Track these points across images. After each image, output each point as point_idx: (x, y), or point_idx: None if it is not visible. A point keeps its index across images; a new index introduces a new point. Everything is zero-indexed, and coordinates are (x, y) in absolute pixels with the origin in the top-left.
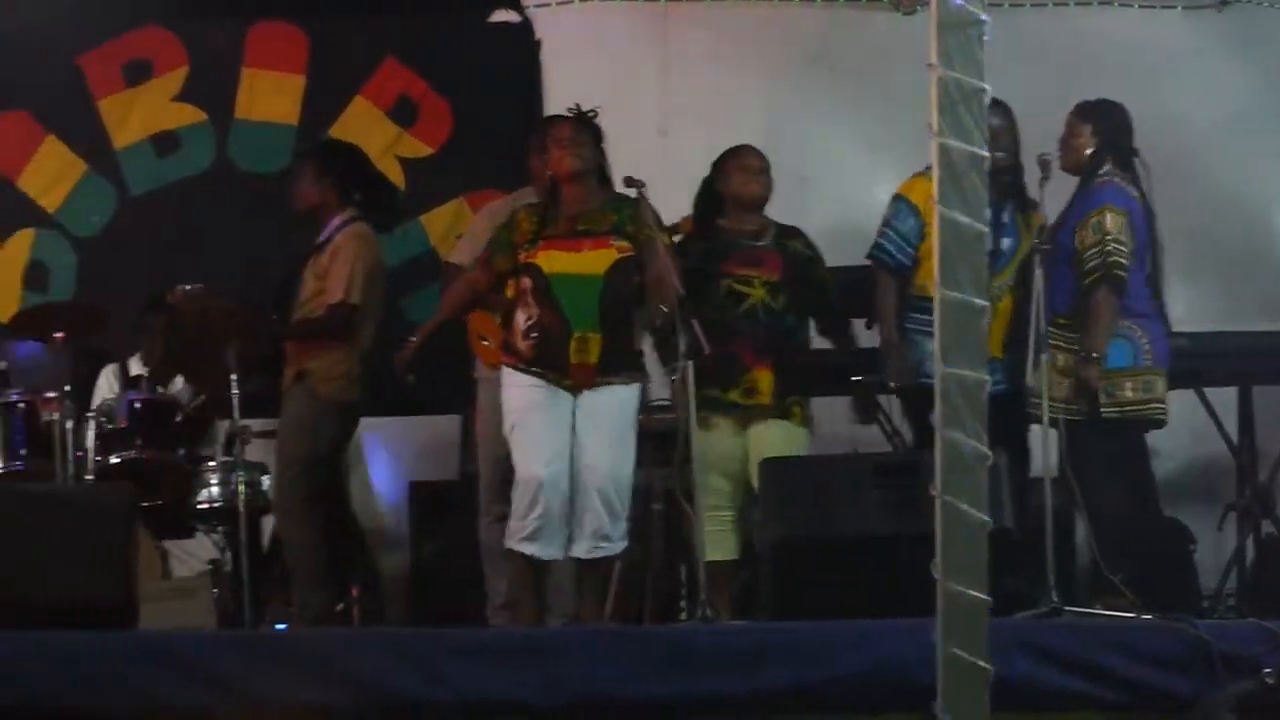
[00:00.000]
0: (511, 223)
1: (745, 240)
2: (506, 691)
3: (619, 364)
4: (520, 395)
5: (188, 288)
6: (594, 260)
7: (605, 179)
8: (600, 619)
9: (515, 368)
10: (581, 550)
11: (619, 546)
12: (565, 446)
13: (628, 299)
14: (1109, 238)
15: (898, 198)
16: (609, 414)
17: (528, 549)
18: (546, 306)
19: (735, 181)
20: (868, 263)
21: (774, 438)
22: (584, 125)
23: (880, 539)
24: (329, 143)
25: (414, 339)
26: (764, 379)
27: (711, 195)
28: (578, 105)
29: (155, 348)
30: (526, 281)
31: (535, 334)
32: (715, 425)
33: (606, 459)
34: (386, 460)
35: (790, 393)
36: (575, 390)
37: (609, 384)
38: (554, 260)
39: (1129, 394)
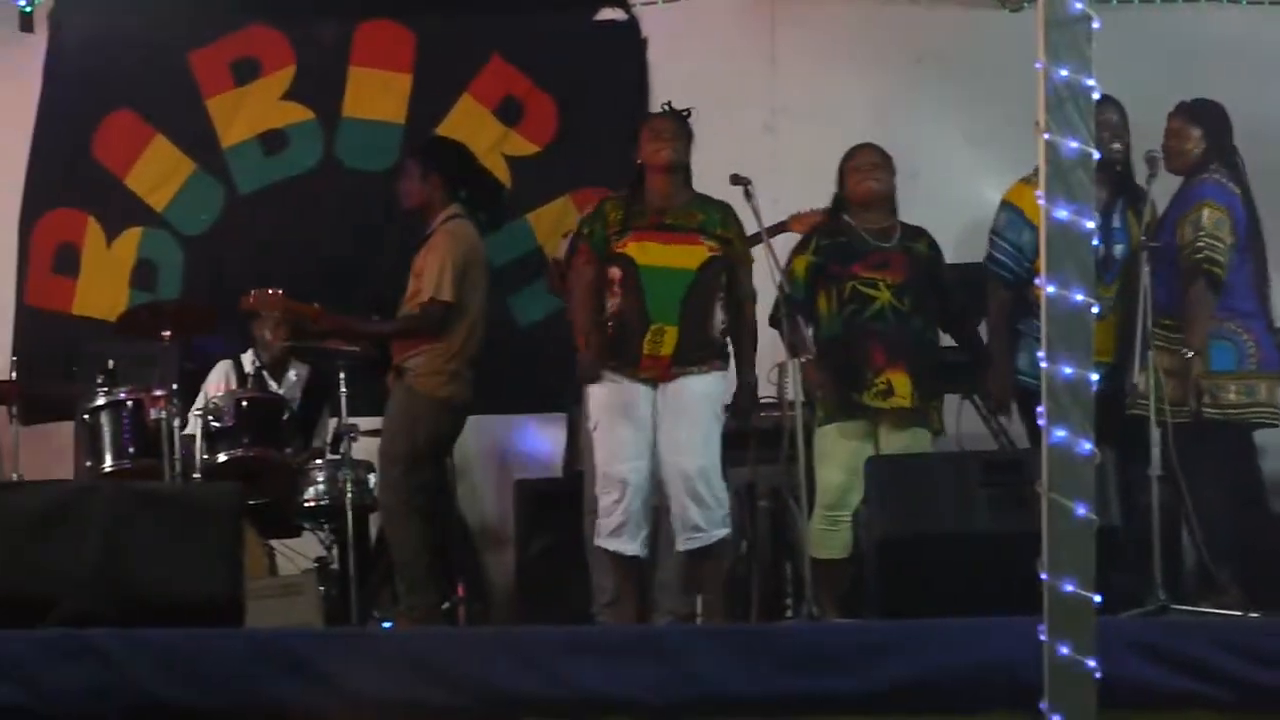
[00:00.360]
0: (600, 214)
1: (873, 241)
2: (613, 689)
3: (695, 356)
4: (601, 395)
5: (268, 292)
6: (686, 255)
7: (689, 179)
8: (720, 610)
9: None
10: (679, 543)
11: (715, 535)
12: (647, 443)
13: (713, 296)
14: (1204, 234)
15: (1007, 205)
16: (689, 405)
17: (613, 545)
18: (631, 296)
19: (850, 181)
20: (979, 261)
21: (907, 443)
22: (680, 122)
23: (987, 537)
24: (434, 140)
25: (583, 348)
26: (900, 382)
27: (837, 191)
28: (669, 103)
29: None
30: (615, 271)
31: (611, 324)
32: (847, 427)
33: (689, 451)
34: (492, 458)
35: (930, 396)
36: (652, 383)
37: (686, 375)
38: (646, 251)
39: (1232, 397)
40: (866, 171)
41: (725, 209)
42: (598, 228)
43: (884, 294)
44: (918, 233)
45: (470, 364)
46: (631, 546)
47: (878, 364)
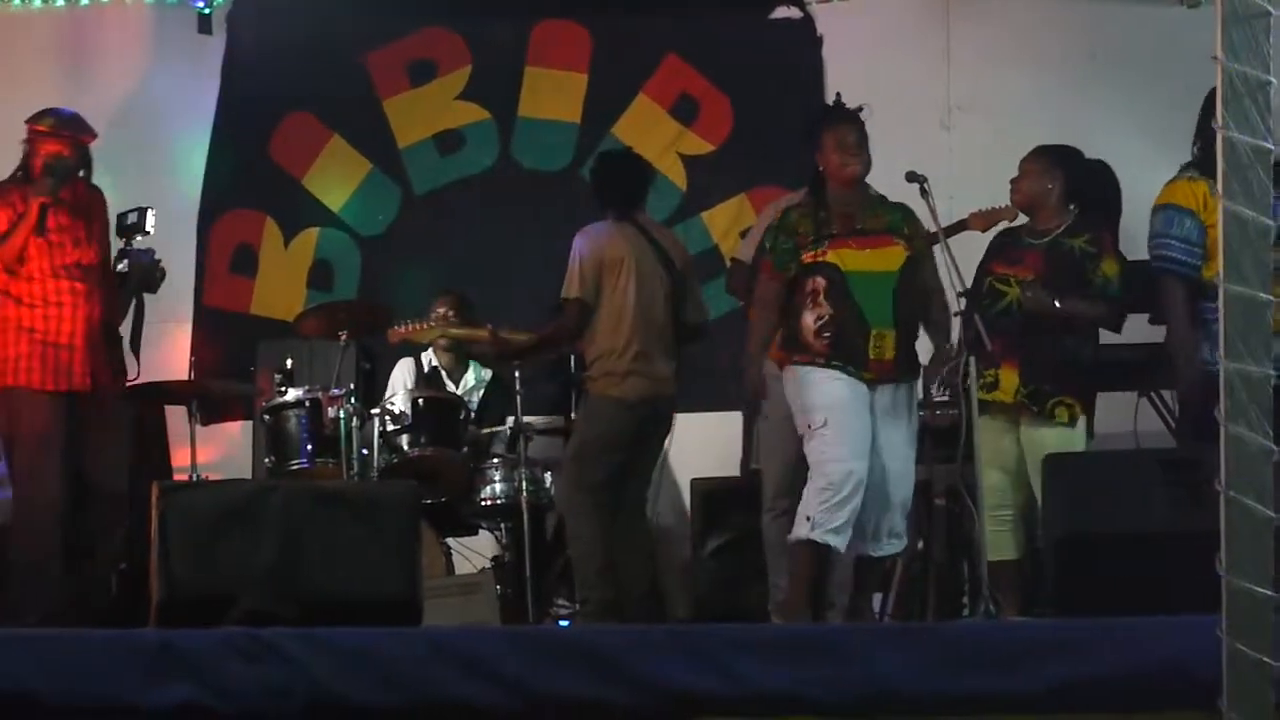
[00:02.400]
0: (786, 225)
1: (1024, 239)
2: (790, 686)
3: (910, 361)
4: (827, 390)
5: (422, 325)
6: (887, 257)
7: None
8: (870, 614)
9: (814, 364)
10: (874, 549)
11: (904, 543)
12: (869, 442)
13: (912, 296)
14: None
15: (1163, 208)
16: (901, 412)
17: (833, 540)
18: (843, 304)
19: (1018, 185)
20: (1147, 259)
21: (1046, 440)
22: (863, 128)
23: (1165, 535)
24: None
25: (755, 356)
26: (1006, 377)
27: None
28: (839, 95)
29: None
30: (820, 281)
31: (829, 333)
32: (985, 422)
33: (902, 457)
34: (668, 456)
35: (1049, 394)
36: (873, 385)
37: (901, 381)
38: (848, 258)
39: None
40: (1022, 177)
41: (904, 208)
42: (782, 240)
43: (1013, 290)
44: (1083, 229)
45: (647, 360)
46: (843, 545)
47: (993, 358)
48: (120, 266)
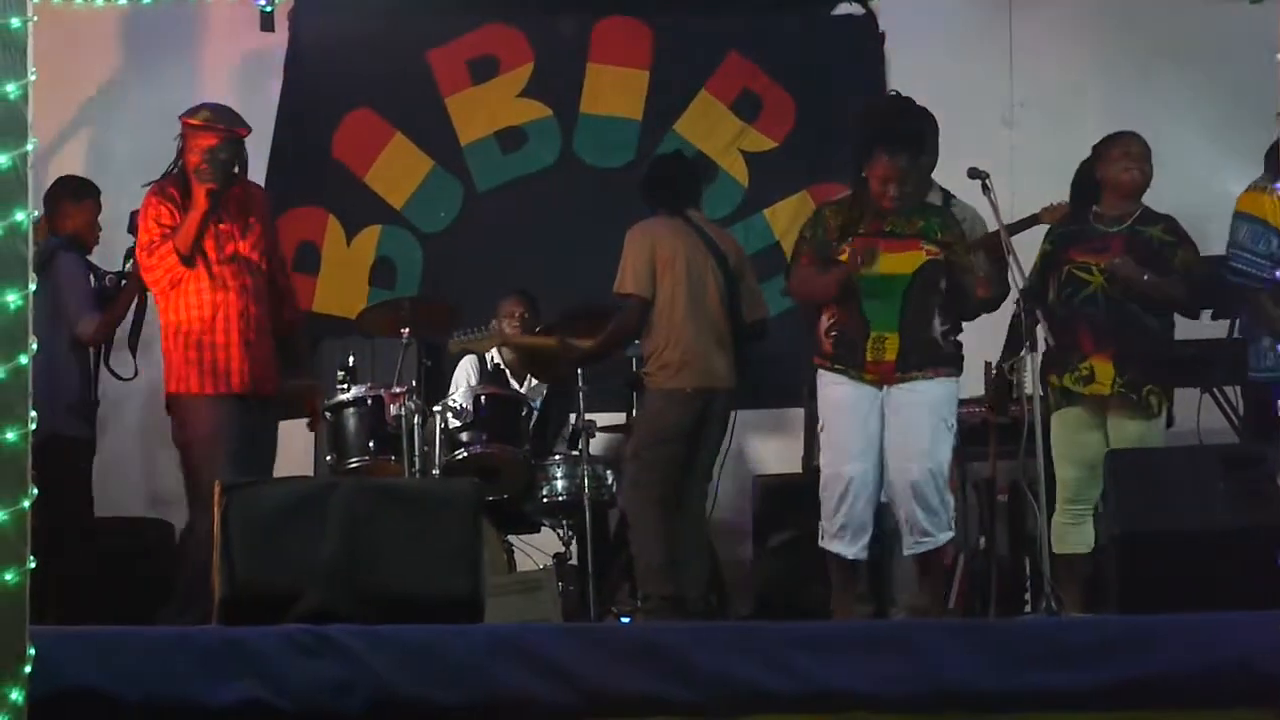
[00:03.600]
0: (819, 220)
1: (1101, 226)
2: (851, 683)
3: (920, 360)
4: (828, 394)
5: (466, 338)
6: (901, 261)
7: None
8: (939, 611)
9: (823, 367)
10: (906, 548)
11: (941, 540)
12: (873, 444)
13: (931, 300)
14: None
15: (1245, 217)
16: (915, 410)
17: (835, 547)
18: (848, 305)
19: (1116, 168)
20: (1210, 254)
21: (1137, 432)
22: (912, 153)
23: (1228, 531)
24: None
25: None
26: (1102, 368)
27: (1088, 180)
28: (896, 91)
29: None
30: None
31: (834, 333)
32: (1067, 415)
33: (916, 457)
34: (731, 453)
35: (1143, 382)
36: (878, 385)
37: (911, 379)
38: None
39: None
40: (1136, 161)
41: (946, 215)
42: (818, 232)
43: (1096, 278)
44: (1157, 218)
45: (701, 352)
46: (850, 550)
47: (1084, 349)
48: (127, 265)
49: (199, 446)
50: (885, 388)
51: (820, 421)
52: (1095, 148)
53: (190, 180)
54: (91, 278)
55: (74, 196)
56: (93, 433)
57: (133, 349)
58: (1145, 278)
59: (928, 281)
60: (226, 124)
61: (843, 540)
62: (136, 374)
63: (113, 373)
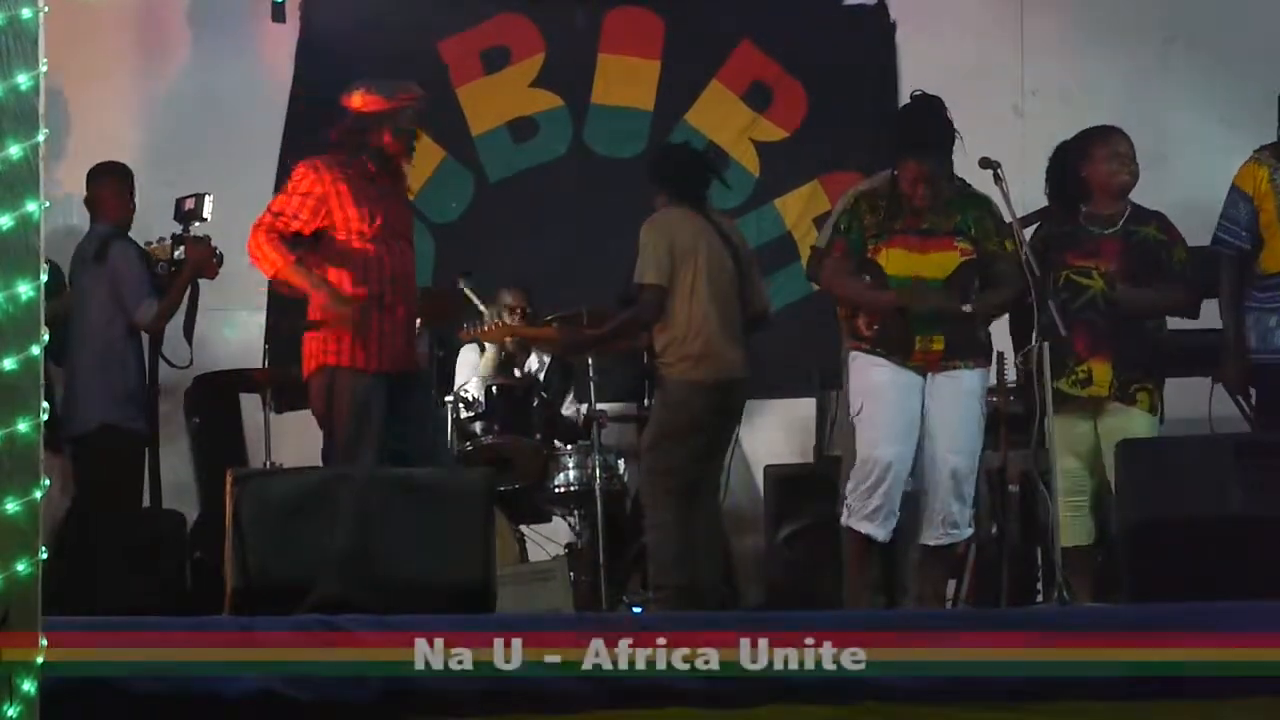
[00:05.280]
0: (855, 211)
1: (1093, 228)
2: (863, 672)
3: (963, 350)
4: (870, 376)
5: (490, 327)
6: (938, 263)
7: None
8: (939, 604)
9: (862, 350)
10: (930, 537)
11: (966, 534)
12: (913, 429)
13: (965, 297)
14: None
15: (1233, 188)
16: (957, 399)
17: (866, 528)
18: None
19: (1105, 170)
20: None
21: (1124, 426)
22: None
23: (1240, 520)
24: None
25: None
26: (1100, 370)
27: (1071, 177)
28: (921, 92)
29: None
30: (865, 279)
31: (877, 325)
32: (1064, 410)
33: (956, 445)
34: (741, 443)
35: (1135, 380)
36: (922, 371)
37: (955, 368)
38: (896, 261)
39: None
40: (1125, 162)
41: (982, 205)
42: (855, 227)
43: (1096, 282)
44: (1149, 216)
45: (721, 343)
46: (881, 532)
47: (1079, 353)
48: (177, 253)
49: (348, 423)
50: (929, 375)
51: (856, 404)
52: (1078, 144)
53: (355, 160)
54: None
55: (118, 180)
56: (150, 424)
57: (188, 336)
58: (1149, 298)
59: (963, 282)
60: (404, 92)
61: (874, 522)
62: (191, 362)
63: (167, 360)
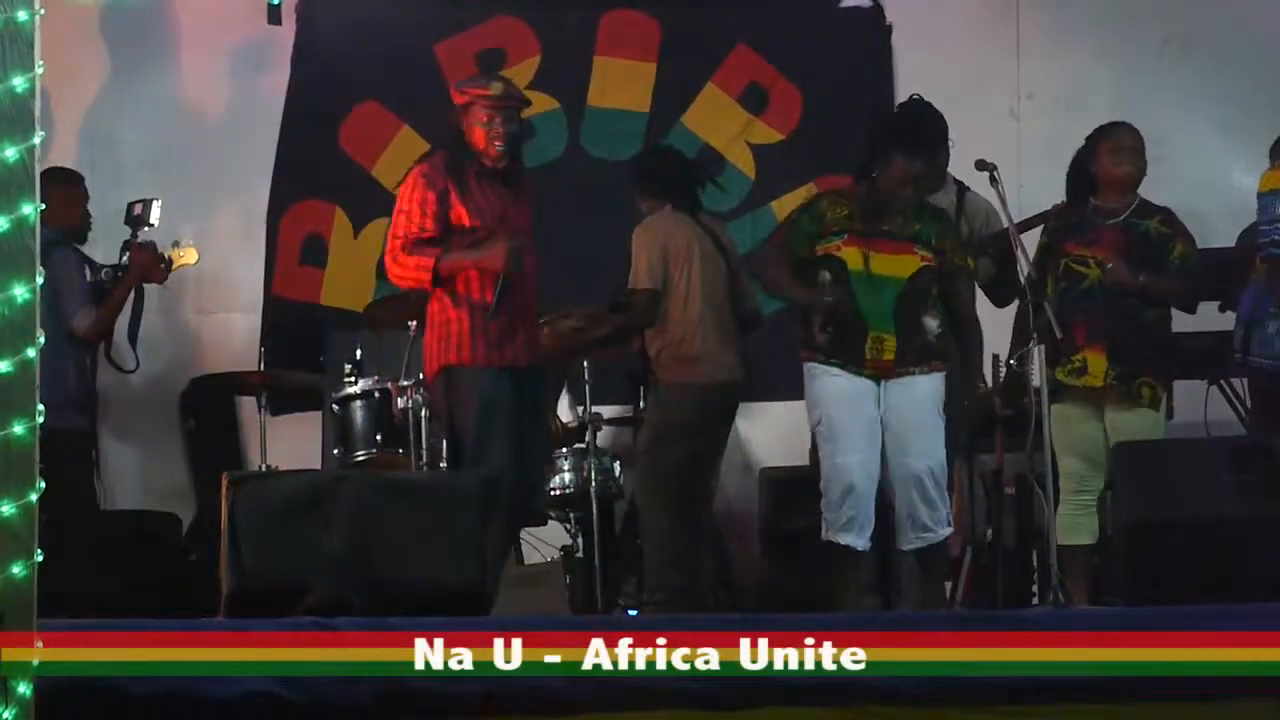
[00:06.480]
0: (814, 210)
1: (1097, 219)
2: (859, 674)
3: (916, 356)
4: (823, 387)
5: None
6: (898, 264)
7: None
8: (941, 605)
9: (815, 360)
10: (904, 542)
11: (942, 534)
12: (875, 435)
13: (925, 303)
14: None
15: (1267, 194)
16: (913, 405)
17: (845, 539)
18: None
19: (1108, 162)
20: (1219, 246)
21: (1131, 423)
22: (929, 157)
23: (1236, 523)
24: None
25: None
26: (1095, 361)
27: (1083, 173)
28: (919, 96)
29: None
30: (825, 275)
31: (830, 329)
32: (1067, 408)
33: (919, 452)
34: (736, 446)
35: (1135, 375)
36: (877, 379)
37: (909, 374)
38: (857, 258)
39: None
40: (1127, 154)
41: (942, 220)
42: (806, 221)
43: (1093, 270)
44: (1154, 210)
45: (716, 345)
46: (860, 541)
47: (1077, 342)
48: (124, 258)
49: (472, 421)
50: (883, 382)
51: (816, 415)
52: (1088, 140)
53: (463, 159)
54: (88, 271)
55: (66, 186)
56: (90, 424)
57: (132, 341)
58: (1140, 279)
59: (922, 286)
60: (519, 96)
61: (851, 532)
62: (137, 366)
63: (115, 365)
